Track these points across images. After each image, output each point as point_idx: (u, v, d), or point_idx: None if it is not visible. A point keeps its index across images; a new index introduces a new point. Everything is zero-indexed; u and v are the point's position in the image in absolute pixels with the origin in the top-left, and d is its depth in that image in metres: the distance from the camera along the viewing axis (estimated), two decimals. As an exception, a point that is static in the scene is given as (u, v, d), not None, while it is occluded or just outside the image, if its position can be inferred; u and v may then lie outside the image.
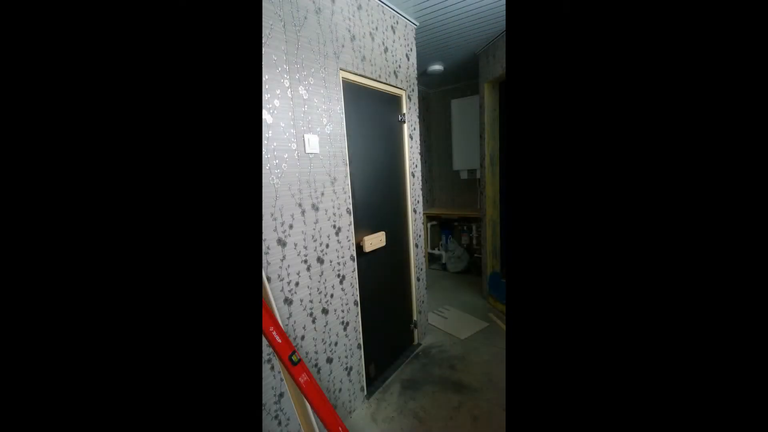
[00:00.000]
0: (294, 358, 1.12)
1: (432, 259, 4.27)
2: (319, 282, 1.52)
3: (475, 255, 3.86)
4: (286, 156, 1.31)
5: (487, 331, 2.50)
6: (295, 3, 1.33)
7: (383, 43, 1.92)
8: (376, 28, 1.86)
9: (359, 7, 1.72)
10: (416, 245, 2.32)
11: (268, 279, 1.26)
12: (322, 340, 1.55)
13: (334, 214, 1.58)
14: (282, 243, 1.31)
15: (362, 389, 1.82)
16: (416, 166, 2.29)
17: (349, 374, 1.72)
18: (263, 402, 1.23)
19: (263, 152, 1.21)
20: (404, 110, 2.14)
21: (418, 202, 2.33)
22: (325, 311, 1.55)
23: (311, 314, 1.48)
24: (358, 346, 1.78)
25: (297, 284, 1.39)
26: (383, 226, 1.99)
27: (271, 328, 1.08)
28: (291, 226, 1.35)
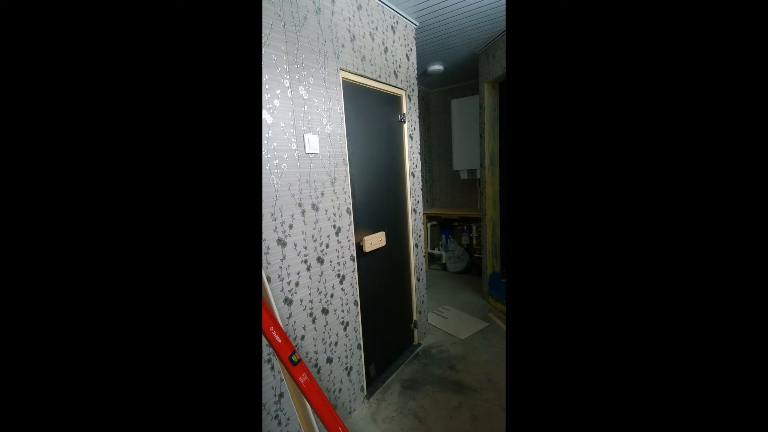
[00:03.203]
0: (294, 358, 1.12)
1: (432, 259, 4.27)
2: (319, 282, 1.52)
3: (475, 255, 3.86)
4: (286, 156, 1.31)
5: (487, 331, 2.50)
6: (295, 3, 1.33)
7: (383, 43, 1.92)
8: (376, 28, 1.86)
9: (359, 7, 1.72)
10: (416, 245, 2.32)
11: (268, 279, 1.26)
12: (322, 340, 1.55)
13: (334, 214, 1.58)
14: (282, 243, 1.31)
15: (362, 389, 1.82)
16: (416, 166, 2.29)
17: (349, 374, 1.72)
18: (263, 402, 1.23)
19: (263, 152, 1.21)
20: (404, 110, 2.14)
21: (418, 202, 2.33)
22: (325, 311, 1.55)
23: (311, 314, 1.48)
24: (358, 346, 1.78)
25: (297, 284, 1.39)
26: (383, 226, 1.99)
27: (271, 328, 1.08)
28: (291, 226, 1.35)
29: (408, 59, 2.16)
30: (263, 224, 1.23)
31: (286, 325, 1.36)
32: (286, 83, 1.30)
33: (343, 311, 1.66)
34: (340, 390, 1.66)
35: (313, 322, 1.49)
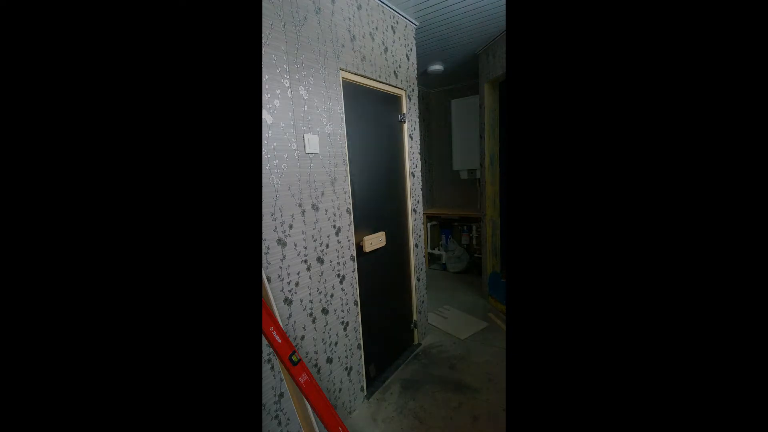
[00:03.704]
0: (294, 358, 1.12)
1: (432, 259, 4.27)
2: (319, 282, 1.52)
3: (475, 255, 3.86)
4: (286, 156, 1.31)
5: (487, 331, 2.50)
6: (295, 3, 1.33)
7: (383, 43, 1.92)
8: (376, 28, 1.86)
9: (359, 7, 1.72)
10: (416, 245, 2.32)
11: (268, 279, 1.26)
12: (322, 340, 1.55)
13: (334, 214, 1.58)
14: (282, 243, 1.31)
15: (362, 389, 1.82)
16: (416, 166, 2.29)
17: (349, 374, 1.72)
18: (263, 402, 1.23)
19: (263, 152, 1.21)
20: (404, 110, 2.14)
21: (418, 202, 2.33)
22: (325, 311, 1.55)
23: (311, 314, 1.48)
24: (358, 346, 1.78)
25: (297, 284, 1.39)
26: (383, 226, 1.99)
27: (271, 328, 1.08)
28: (291, 226, 1.35)
29: (408, 59, 2.16)
30: (263, 224, 1.23)
31: (286, 325, 1.36)
32: (286, 83, 1.30)
33: (343, 311, 1.66)
34: (340, 390, 1.66)
35: (313, 322, 1.49)
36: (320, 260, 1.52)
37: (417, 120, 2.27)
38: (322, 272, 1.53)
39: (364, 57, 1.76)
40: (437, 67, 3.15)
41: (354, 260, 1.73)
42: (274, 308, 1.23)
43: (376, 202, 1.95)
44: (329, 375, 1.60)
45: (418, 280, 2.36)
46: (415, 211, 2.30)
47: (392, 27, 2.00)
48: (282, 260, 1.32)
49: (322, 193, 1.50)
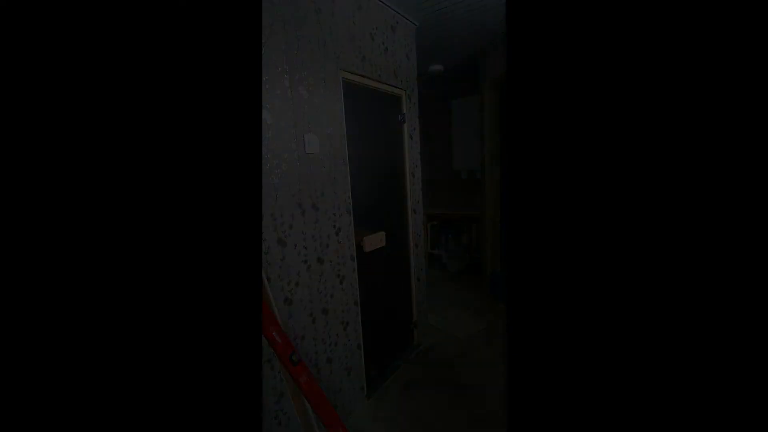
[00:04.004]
0: (294, 358, 1.12)
1: (432, 259, 4.27)
2: (319, 282, 1.52)
3: (475, 255, 3.86)
4: (286, 156, 1.31)
5: (487, 331, 2.50)
6: (295, 3, 1.33)
7: (383, 44, 1.92)
8: (376, 29, 1.86)
9: (359, 8, 1.72)
10: (416, 245, 2.32)
11: (268, 279, 1.26)
12: (322, 340, 1.55)
13: (334, 214, 1.58)
14: (282, 243, 1.31)
15: (362, 389, 1.82)
16: (416, 166, 2.29)
17: (349, 374, 1.72)
18: (263, 402, 1.23)
19: (263, 152, 1.21)
20: (404, 110, 2.14)
21: (418, 202, 2.33)
22: (325, 311, 1.55)
23: (311, 314, 1.48)
24: (358, 346, 1.78)
25: (297, 284, 1.39)
26: (383, 226, 1.99)
27: (272, 329, 1.08)
28: (291, 226, 1.35)
29: (408, 59, 2.16)
30: (263, 224, 1.23)
31: (286, 325, 1.36)
32: (286, 83, 1.30)
33: (343, 311, 1.66)
34: (340, 390, 1.66)
35: (313, 322, 1.49)
36: (320, 260, 1.52)
37: (417, 120, 2.27)
38: (322, 272, 1.53)
39: (364, 57, 1.76)
40: (437, 67, 3.15)
41: (354, 260, 1.73)
42: (274, 308, 1.23)
43: (376, 202, 1.95)
44: (329, 375, 1.60)
45: (418, 280, 2.36)
46: (415, 211, 2.30)
47: (392, 27, 2.00)
48: (282, 260, 1.32)
49: (322, 193, 1.50)
